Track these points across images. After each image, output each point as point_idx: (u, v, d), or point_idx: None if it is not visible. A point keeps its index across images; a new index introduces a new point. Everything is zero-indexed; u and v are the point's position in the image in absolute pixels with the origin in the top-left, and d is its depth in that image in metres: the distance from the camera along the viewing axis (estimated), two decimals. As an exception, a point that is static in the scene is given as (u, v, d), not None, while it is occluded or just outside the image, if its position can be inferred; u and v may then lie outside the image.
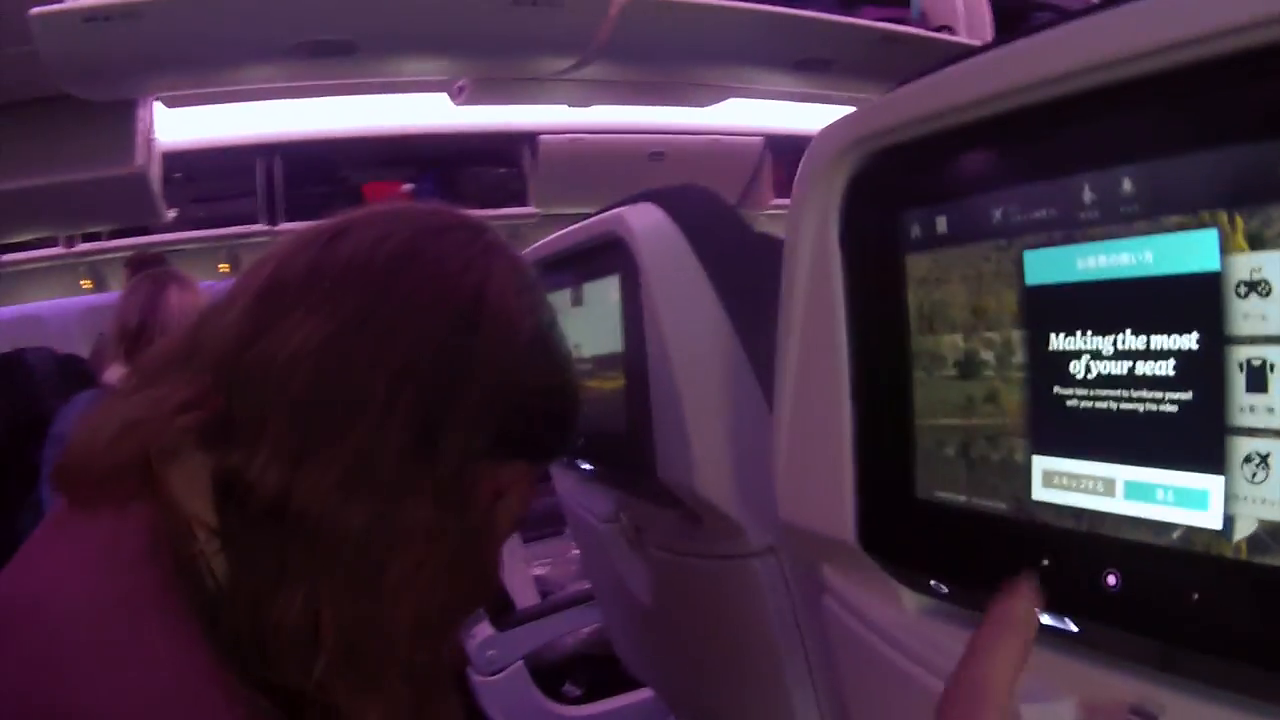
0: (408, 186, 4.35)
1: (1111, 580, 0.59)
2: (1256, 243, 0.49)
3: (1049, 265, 0.62)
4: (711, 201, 1.25)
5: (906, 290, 0.73)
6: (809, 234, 0.83)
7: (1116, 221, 0.57)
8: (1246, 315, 0.50)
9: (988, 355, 0.67)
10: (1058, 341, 0.62)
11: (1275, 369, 0.48)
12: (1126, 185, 0.57)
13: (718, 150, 4.22)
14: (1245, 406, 0.50)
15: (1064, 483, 0.62)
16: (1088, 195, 0.59)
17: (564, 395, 0.85)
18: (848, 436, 0.80)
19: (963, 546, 0.72)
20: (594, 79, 3.05)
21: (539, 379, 0.80)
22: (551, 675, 2.89)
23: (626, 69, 2.98)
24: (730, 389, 1.09)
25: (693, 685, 1.62)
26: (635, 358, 1.17)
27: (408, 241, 0.76)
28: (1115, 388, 0.58)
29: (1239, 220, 0.50)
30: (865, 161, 0.78)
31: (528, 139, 3.96)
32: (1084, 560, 0.62)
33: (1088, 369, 0.60)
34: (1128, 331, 0.57)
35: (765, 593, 1.17)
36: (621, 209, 1.21)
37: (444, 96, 3.36)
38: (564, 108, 3.68)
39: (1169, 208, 0.55)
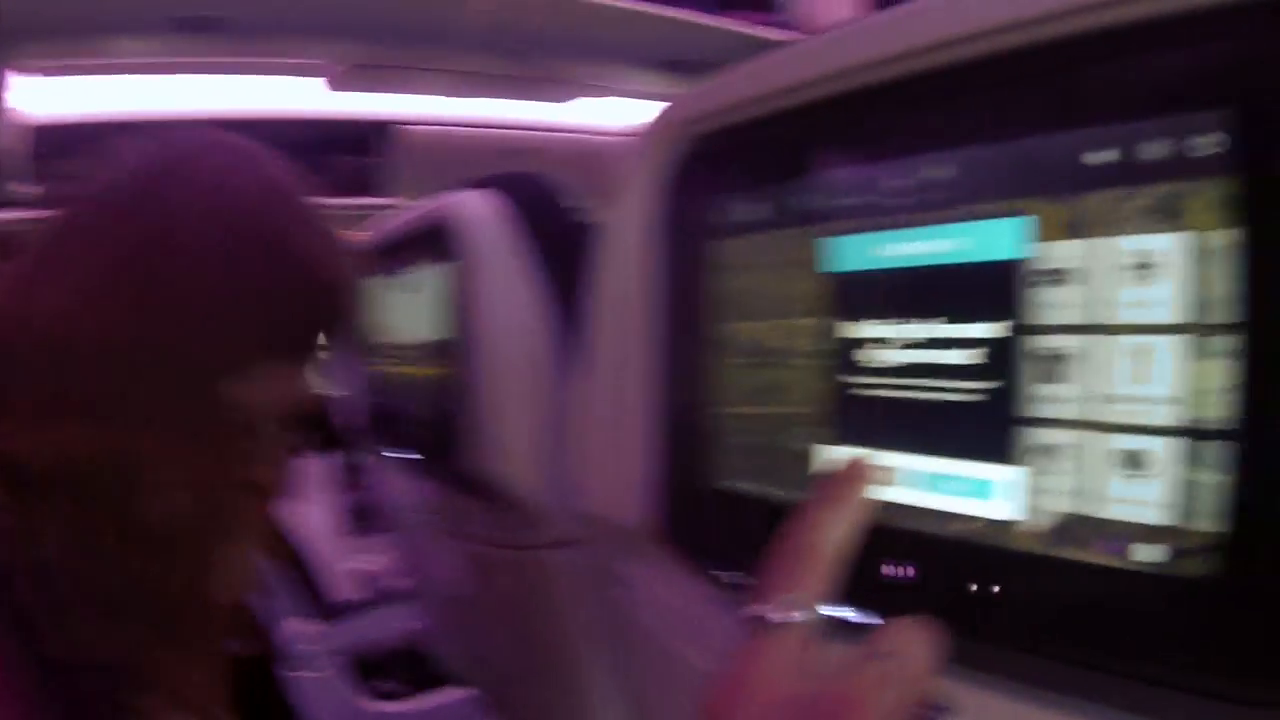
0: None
1: (903, 572, 0.57)
2: (1057, 232, 0.48)
3: (845, 252, 0.60)
4: (550, 190, 1.21)
5: (711, 277, 0.71)
6: (627, 219, 0.80)
7: (916, 210, 0.56)
8: (1042, 305, 0.49)
9: (783, 343, 0.65)
10: (851, 329, 0.60)
11: (1070, 359, 0.47)
12: (925, 174, 0.55)
13: (587, 147, 4.19)
14: (1039, 397, 0.49)
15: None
16: (889, 183, 0.58)
17: (310, 290, 0.73)
18: (648, 425, 0.77)
19: (758, 538, 0.70)
20: (463, 70, 2.98)
21: (281, 277, 0.71)
22: (374, 671, 2.80)
23: (496, 61, 2.92)
24: (547, 380, 1.06)
25: (502, 679, 1.58)
26: (456, 346, 1.13)
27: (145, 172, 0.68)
28: (906, 377, 0.57)
29: (1042, 210, 0.48)
30: (684, 148, 0.75)
31: (387, 128, 3.86)
32: (876, 552, 0.60)
33: (879, 358, 0.58)
34: (921, 320, 0.56)
35: (567, 584, 1.14)
36: (457, 195, 1.16)
37: (310, 81, 3.25)
38: (428, 98, 3.59)
39: (970, 196, 0.53)
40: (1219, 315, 0.41)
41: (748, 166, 0.69)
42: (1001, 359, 0.51)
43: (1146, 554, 0.45)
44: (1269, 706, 0.40)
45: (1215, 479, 0.42)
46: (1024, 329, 0.50)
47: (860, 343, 0.60)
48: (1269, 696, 0.40)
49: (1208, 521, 0.42)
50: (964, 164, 0.54)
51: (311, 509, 3.05)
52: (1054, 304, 0.48)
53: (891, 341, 0.58)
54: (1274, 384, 0.40)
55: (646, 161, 0.77)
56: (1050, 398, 0.49)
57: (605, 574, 1.02)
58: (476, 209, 1.16)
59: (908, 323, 0.56)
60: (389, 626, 2.78)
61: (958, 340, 0.54)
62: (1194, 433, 0.42)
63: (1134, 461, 0.45)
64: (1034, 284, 0.49)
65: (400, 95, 3.61)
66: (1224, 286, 0.41)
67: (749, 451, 0.68)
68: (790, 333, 0.65)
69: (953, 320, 0.54)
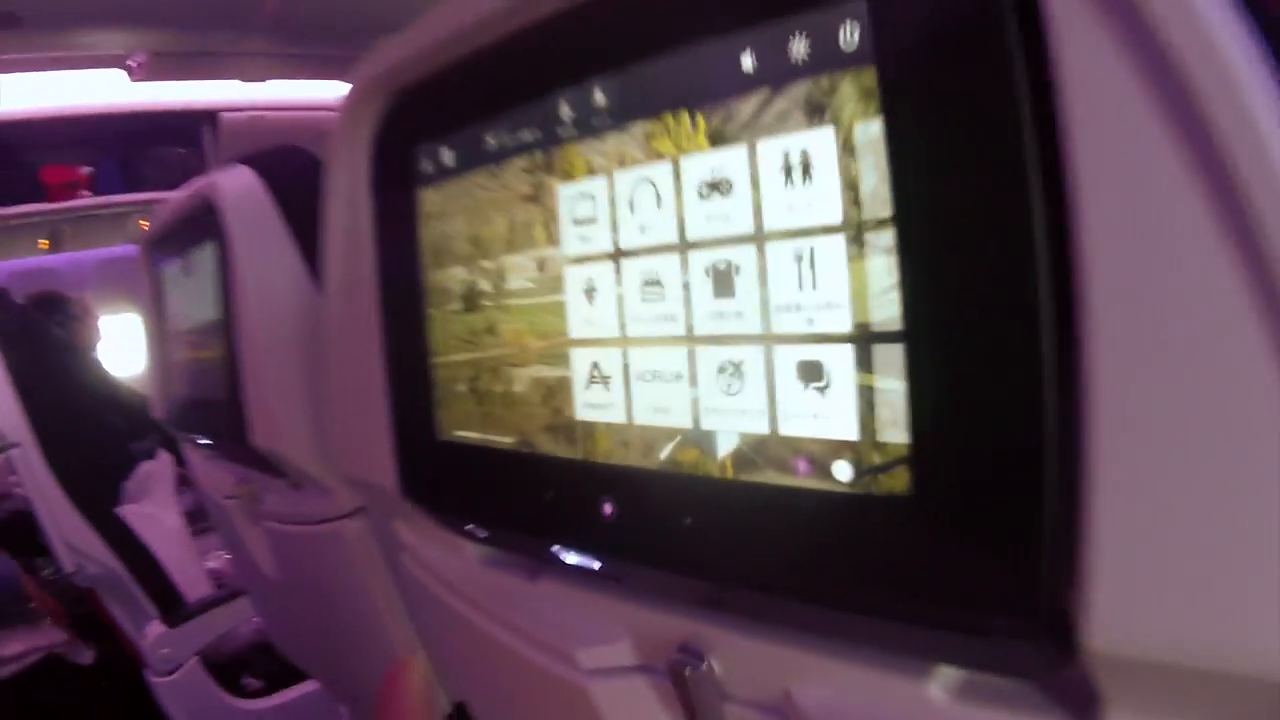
0: (86, 169, 4.01)
1: (608, 509, 0.55)
2: (717, 140, 0.45)
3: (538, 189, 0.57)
4: (307, 163, 1.16)
5: (424, 227, 0.67)
6: (343, 179, 0.76)
7: (590, 134, 0.53)
8: (709, 217, 0.46)
9: (486, 285, 0.62)
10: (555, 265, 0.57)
11: (741, 271, 0.45)
12: (596, 97, 0.53)
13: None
14: (714, 313, 0.46)
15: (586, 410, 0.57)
16: (564, 111, 0.55)
17: None
18: (380, 381, 0.74)
19: (485, 487, 0.67)
20: (269, 52, 2.87)
21: None
22: (231, 669, 2.71)
23: (299, 43, 2.82)
24: (308, 351, 1.01)
25: (328, 661, 1.53)
26: (228, 325, 1.07)
27: None
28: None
29: (699, 119, 0.45)
30: (390, 101, 0.71)
31: (208, 117, 3.71)
32: (584, 491, 0.57)
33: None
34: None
35: (359, 555, 1.10)
36: (216, 174, 1.11)
37: (121, 74, 3.09)
38: (241, 84, 3.46)
39: (633, 113, 0.51)
40: (873, 212, 0.38)
41: (441, 113, 0.65)
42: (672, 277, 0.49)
43: (838, 473, 0.41)
44: (971, 632, 0.37)
45: (891, 386, 0.38)
46: (689, 245, 0.47)
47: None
48: (968, 621, 0.37)
49: (892, 433, 0.38)
50: (624, 81, 0.51)
51: (158, 511, 2.94)
52: (715, 215, 0.46)
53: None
54: (931, 279, 0.37)
55: (355, 117, 0.73)
56: (722, 314, 0.46)
57: (389, 539, 0.99)
58: (232, 186, 1.11)
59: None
60: (243, 621, 2.70)
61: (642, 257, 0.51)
62: (864, 338, 0.39)
63: (812, 374, 0.42)
64: (703, 196, 0.46)
65: (214, 82, 3.47)
66: (874, 181, 0.38)
67: (464, 399, 0.65)
68: (486, 274, 0.62)
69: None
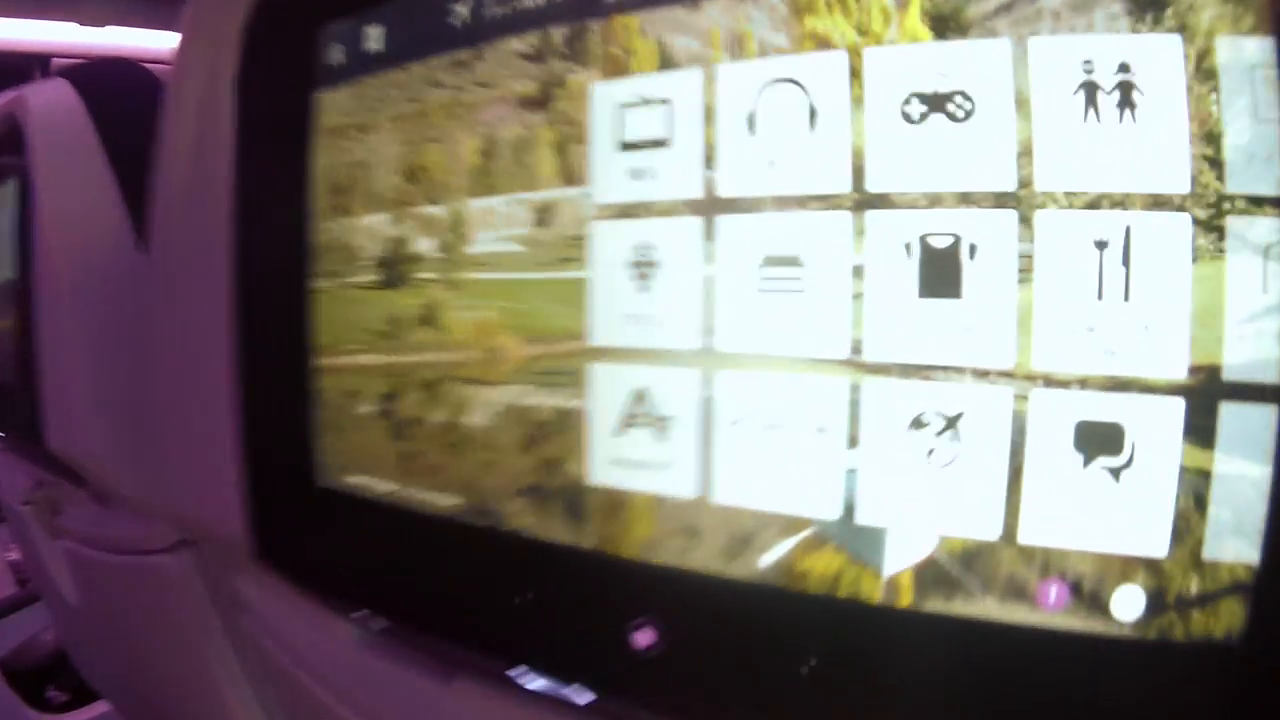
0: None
1: (645, 638, 0.32)
2: (946, 24, 0.27)
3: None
4: (144, 82, 0.88)
5: (312, 149, 0.41)
6: (194, 79, 0.49)
7: None
8: (919, 155, 0.28)
9: (425, 246, 0.36)
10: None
11: (978, 254, 0.28)
12: None
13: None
14: (912, 323, 0.29)
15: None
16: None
17: None
18: (227, 387, 0.47)
19: (399, 569, 0.42)
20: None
21: None
22: (33, 679, 2.34)
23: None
24: (138, 332, 0.73)
25: (137, 700, 1.25)
26: (27, 287, 0.78)
27: None
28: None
29: None
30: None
31: (39, 62, 3.32)
32: (600, 604, 0.33)
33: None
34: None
35: (181, 600, 0.83)
36: (28, 88, 0.82)
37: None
38: (77, 27, 3.12)
39: None
40: (1246, 183, 0.25)
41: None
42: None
43: (1121, 607, 0.26)
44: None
45: (1244, 471, 0.25)
46: (870, 199, 0.24)
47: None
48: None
49: (1230, 547, 0.25)
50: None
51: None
52: (932, 154, 0.28)
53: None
54: None
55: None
56: (930, 326, 0.28)
57: (222, 590, 0.73)
58: (43, 104, 0.82)
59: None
60: (50, 628, 2.35)
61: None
62: (1207, 391, 0.26)
63: (1103, 443, 0.27)
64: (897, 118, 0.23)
65: (46, 23, 3.14)
66: (1251, 133, 0.24)
67: (369, 426, 0.40)
68: (430, 227, 0.37)
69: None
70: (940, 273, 0.26)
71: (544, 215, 0.33)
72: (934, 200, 0.26)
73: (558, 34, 0.33)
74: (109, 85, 0.86)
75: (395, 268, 0.39)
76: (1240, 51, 0.24)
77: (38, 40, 3.26)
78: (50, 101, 0.84)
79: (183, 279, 0.52)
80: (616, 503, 0.33)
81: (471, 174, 0.36)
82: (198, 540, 0.78)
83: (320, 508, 0.46)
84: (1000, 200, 0.26)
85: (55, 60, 3.30)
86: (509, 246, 0.34)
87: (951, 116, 0.26)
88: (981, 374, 0.26)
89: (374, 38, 0.40)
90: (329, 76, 0.42)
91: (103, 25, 3.12)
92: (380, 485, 0.42)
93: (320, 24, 0.42)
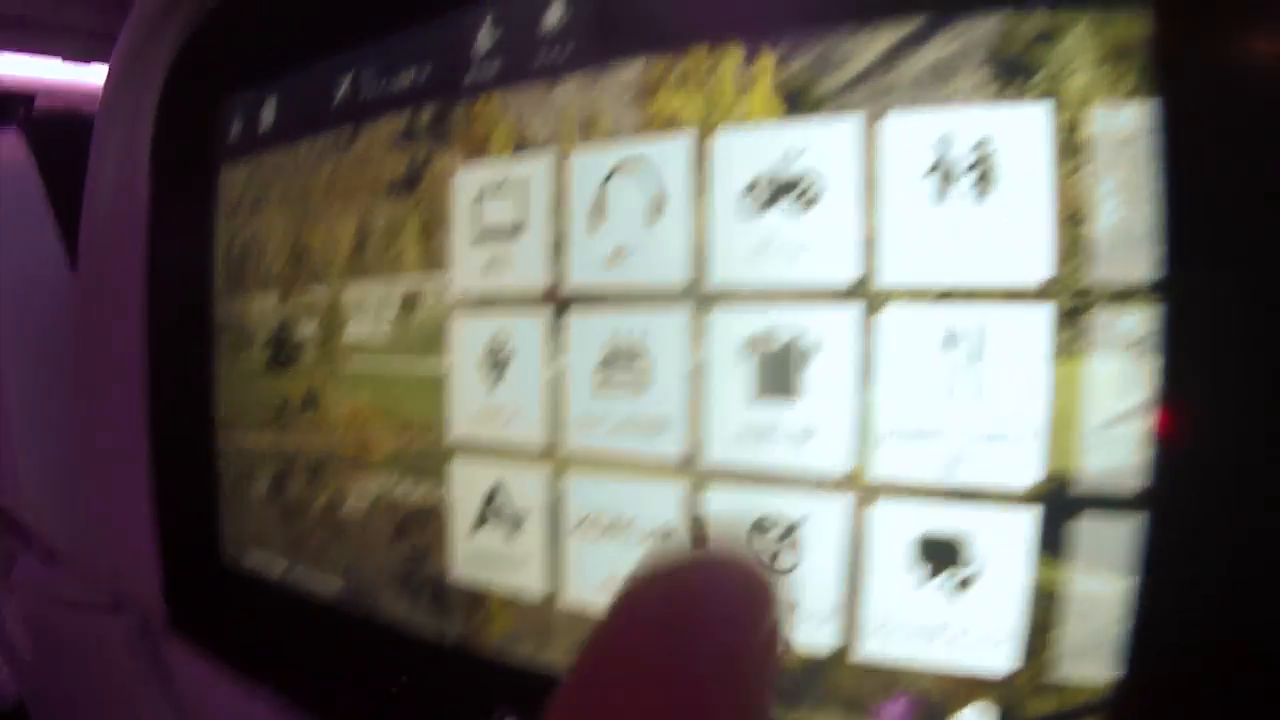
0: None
1: None
2: (797, 102, 0.26)
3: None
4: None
5: (215, 222, 0.40)
6: (114, 147, 0.48)
7: (530, 78, 0.28)
8: (763, 245, 0.27)
9: (309, 329, 0.36)
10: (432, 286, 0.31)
11: (820, 352, 0.26)
12: (550, 11, 0.28)
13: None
14: (751, 426, 0.27)
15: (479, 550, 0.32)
16: (483, 36, 0.30)
17: None
18: (143, 454, 0.46)
19: (293, 647, 0.41)
20: (94, 30, 2.51)
21: None
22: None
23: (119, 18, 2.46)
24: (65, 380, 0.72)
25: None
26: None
27: None
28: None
29: (765, 61, 0.26)
30: (187, 30, 0.44)
31: (23, 100, 3.27)
32: (462, 695, 0.33)
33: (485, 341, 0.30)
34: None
35: (127, 659, 0.80)
36: (-21, 140, 0.82)
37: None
38: (61, 63, 3.06)
39: (624, 43, 0.28)
40: (1112, 270, 0.22)
41: (260, 42, 0.39)
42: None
43: None
44: None
45: (1100, 589, 0.23)
46: (715, 294, 0.23)
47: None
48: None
49: (1085, 665, 0.23)
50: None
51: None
52: (776, 242, 0.27)
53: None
54: (1219, 401, 0.21)
55: (134, 57, 0.46)
56: (769, 429, 0.27)
57: (156, 654, 0.71)
58: None
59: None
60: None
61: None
62: (1061, 500, 0.24)
63: (944, 555, 0.25)
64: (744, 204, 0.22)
65: (31, 58, 3.08)
66: (1121, 214, 0.22)
67: (264, 506, 0.39)
68: (328, 311, 0.36)
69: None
70: (778, 372, 0.25)
71: (411, 302, 0.32)
72: (774, 294, 0.25)
73: (427, 112, 0.32)
74: (63, 138, 0.85)
75: (283, 349, 0.38)
76: (1115, 120, 0.22)
77: (24, 77, 3.18)
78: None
79: (101, 341, 0.51)
80: (476, 597, 0.31)
81: (348, 258, 0.35)
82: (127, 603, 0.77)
83: (225, 583, 0.44)
84: (842, 294, 0.25)
85: (40, 97, 3.25)
86: (380, 333, 0.33)
87: (799, 201, 0.25)
88: (821, 480, 0.25)
89: (268, 115, 0.39)
90: (230, 152, 0.41)
91: (88, 61, 3.06)
92: (275, 565, 0.40)
93: (221, 99, 0.42)
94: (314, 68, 0.36)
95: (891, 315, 0.24)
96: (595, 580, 0.28)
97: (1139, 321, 0.21)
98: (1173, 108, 0.21)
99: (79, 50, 2.92)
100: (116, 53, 0.51)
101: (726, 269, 0.26)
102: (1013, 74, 0.23)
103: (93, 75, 3.14)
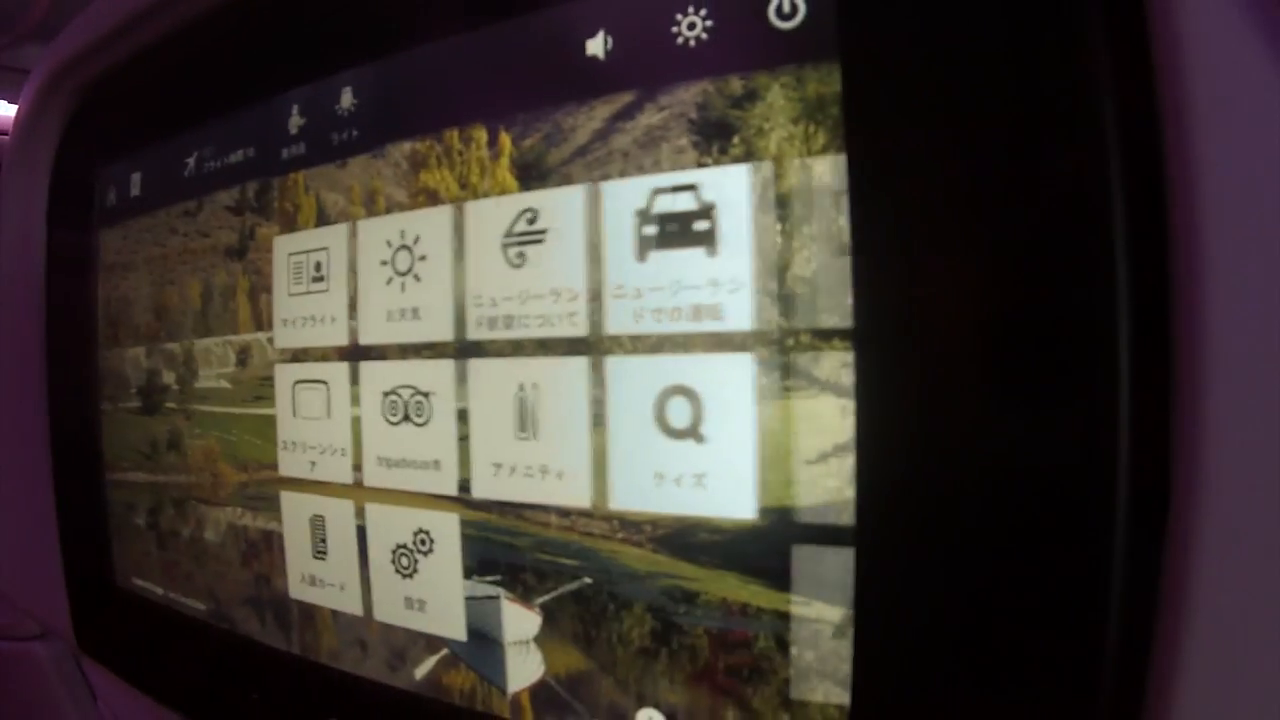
0: None
1: None
2: (530, 174, 0.29)
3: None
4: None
5: (96, 282, 0.44)
6: (15, 207, 0.52)
7: (328, 158, 0.32)
8: (510, 300, 0.29)
9: (169, 378, 0.39)
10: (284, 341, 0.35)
11: (550, 401, 0.28)
12: (342, 100, 0.32)
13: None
14: (508, 466, 0.29)
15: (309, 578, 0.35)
16: (293, 120, 0.33)
17: None
18: (48, 492, 0.50)
19: (174, 662, 0.44)
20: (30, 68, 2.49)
21: None
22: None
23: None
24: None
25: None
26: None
27: None
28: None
29: (504, 140, 0.29)
30: (75, 101, 0.48)
31: None
32: (300, 703, 0.36)
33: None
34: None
35: (56, 686, 0.83)
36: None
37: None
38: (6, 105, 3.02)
39: (396, 128, 0.31)
40: (812, 317, 0.24)
41: (127, 117, 0.43)
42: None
43: None
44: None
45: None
46: (471, 347, 0.27)
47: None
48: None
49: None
50: (391, 79, 0.31)
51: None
52: (521, 298, 0.27)
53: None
54: (921, 438, 0.22)
55: (31, 124, 0.50)
56: (524, 469, 0.27)
57: (80, 678, 0.74)
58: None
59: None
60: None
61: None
62: (786, 533, 0.24)
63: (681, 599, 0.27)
64: (496, 263, 0.25)
65: None
66: (818, 262, 0.23)
67: (144, 535, 0.42)
68: (183, 363, 0.39)
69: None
70: (526, 419, 0.28)
71: (244, 355, 0.36)
72: (522, 347, 0.28)
73: (252, 187, 0.36)
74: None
75: (150, 396, 0.42)
76: (809, 175, 0.23)
77: None
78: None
79: (12, 388, 0.55)
80: (308, 616, 0.35)
81: (196, 315, 0.39)
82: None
83: (119, 605, 0.48)
84: (578, 345, 0.27)
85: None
86: (221, 383, 0.37)
87: (533, 263, 0.27)
88: (566, 512, 0.28)
89: (135, 184, 0.43)
90: (106, 217, 0.45)
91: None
92: (154, 589, 0.44)
93: (99, 169, 0.46)
94: (168, 144, 0.40)
95: (617, 369, 0.26)
96: (393, 603, 0.32)
97: (838, 362, 0.22)
98: (862, 161, 0.22)
99: (15, 91, 2.90)
100: (17, 118, 0.54)
101: (480, 324, 0.29)
102: (716, 136, 0.24)
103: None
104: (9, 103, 2.99)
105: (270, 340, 0.35)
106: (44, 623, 0.62)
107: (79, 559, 0.51)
